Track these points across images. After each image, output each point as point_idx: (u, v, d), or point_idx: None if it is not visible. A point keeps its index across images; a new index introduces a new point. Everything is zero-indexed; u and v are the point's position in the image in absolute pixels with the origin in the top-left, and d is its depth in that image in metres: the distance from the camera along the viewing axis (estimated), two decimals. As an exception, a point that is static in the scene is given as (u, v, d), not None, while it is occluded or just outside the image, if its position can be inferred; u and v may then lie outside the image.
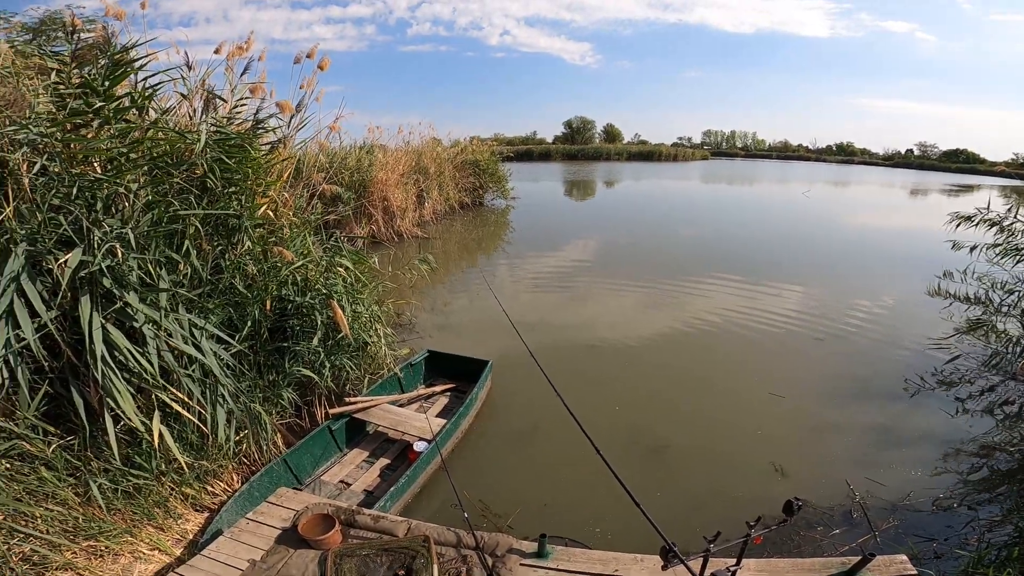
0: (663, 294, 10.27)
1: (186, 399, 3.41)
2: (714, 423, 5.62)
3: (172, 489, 3.83)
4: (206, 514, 4.08)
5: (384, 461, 4.89)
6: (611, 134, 79.88)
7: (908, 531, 3.97)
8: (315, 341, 4.59)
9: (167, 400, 3.29)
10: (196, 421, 3.54)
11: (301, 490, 4.46)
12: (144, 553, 3.51)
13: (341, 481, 4.63)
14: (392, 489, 4.03)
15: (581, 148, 64.14)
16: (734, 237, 16.70)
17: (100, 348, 2.82)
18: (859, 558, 2.64)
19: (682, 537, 3.94)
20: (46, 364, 2.91)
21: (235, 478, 4.38)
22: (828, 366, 7.20)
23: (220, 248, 4.16)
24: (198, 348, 3.49)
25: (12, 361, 2.74)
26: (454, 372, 6.28)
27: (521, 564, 2.86)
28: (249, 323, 4.24)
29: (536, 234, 16.75)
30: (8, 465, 2.87)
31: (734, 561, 2.36)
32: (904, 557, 2.69)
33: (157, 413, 3.21)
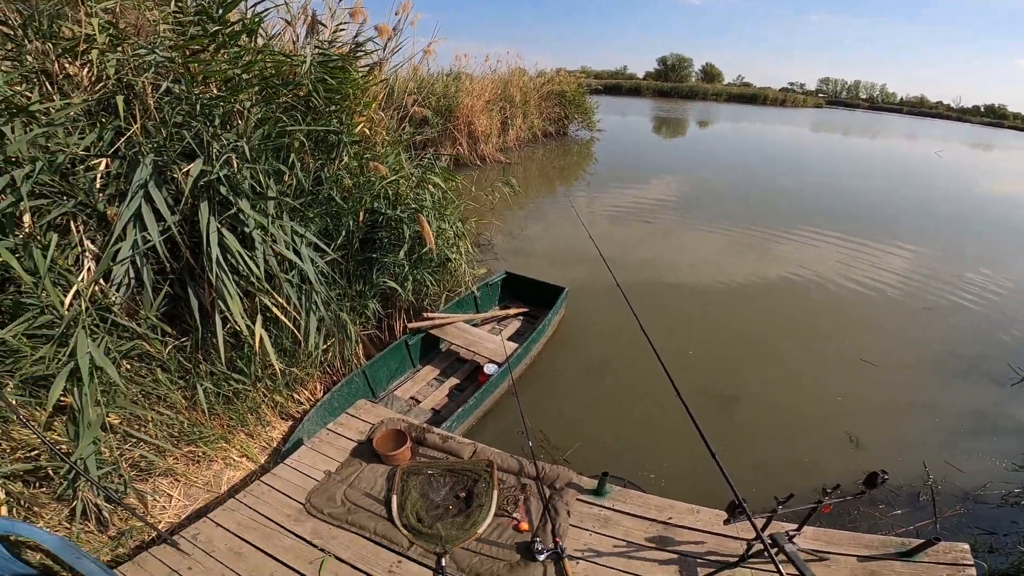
0: (752, 240, 9.54)
1: (285, 304, 3.60)
2: (793, 381, 5.39)
3: (265, 396, 4.11)
4: (290, 423, 4.38)
5: (454, 381, 5.06)
6: (710, 74, 73.08)
7: (972, 522, 3.78)
8: (401, 254, 4.71)
9: (269, 304, 3.47)
10: (291, 326, 3.76)
11: (376, 403, 4.70)
12: (234, 460, 3.81)
13: (412, 397, 4.84)
14: (460, 410, 4.19)
15: (675, 86, 59.34)
16: (842, 190, 14.93)
17: (215, 251, 3.00)
18: (921, 541, 2.52)
19: (741, 493, 3.95)
20: (168, 265, 3.10)
21: (318, 387, 4.66)
22: (930, 338, 6.55)
23: (321, 162, 4.30)
24: (298, 254, 3.65)
25: (139, 262, 2.99)
26: (529, 296, 6.34)
27: (578, 499, 2.92)
28: (343, 233, 4.39)
29: (619, 168, 16.02)
30: (128, 366, 3.09)
31: (795, 526, 2.28)
32: (966, 546, 2.53)
33: (260, 317, 3.42)
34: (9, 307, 2.65)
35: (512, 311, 6.15)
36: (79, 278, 2.82)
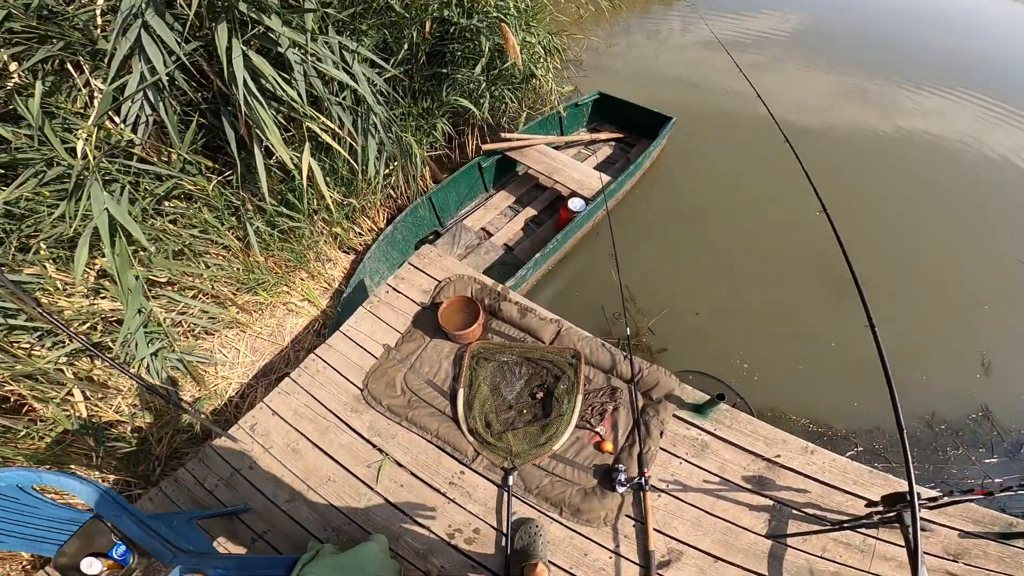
0: (883, 90, 6.73)
1: (336, 129, 2.95)
2: (928, 276, 4.20)
3: (323, 231, 3.65)
4: (352, 256, 3.95)
5: (531, 211, 4.41)
6: None
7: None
8: (478, 69, 3.78)
9: (317, 130, 2.83)
10: (346, 154, 3.13)
11: (442, 234, 4.13)
12: (296, 306, 3.50)
13: (483, 229, 4.27)
14: (538, 256, 3.62)
15: None
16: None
17: (241, 74, 2.33)
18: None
19: (839, 413, 3.31)
20: (195, 96, 2.59)
21: (381, 216, 4.11)
22: None
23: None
24: (349, 73, 2.91)
25: (152, 96, 2.39)
26: (624, 121, 5.25)
27: (675, 415, 2.38)
28: (405, 46, 3.50)
29: None
30: (172, 208, 2.73)
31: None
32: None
33: (308, 145, 2.80)
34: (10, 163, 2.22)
35: (603, 136, 5.14)
36: (89, 122, 2.28)
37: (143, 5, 2.18)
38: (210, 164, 2.81)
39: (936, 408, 3.38)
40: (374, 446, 2.31)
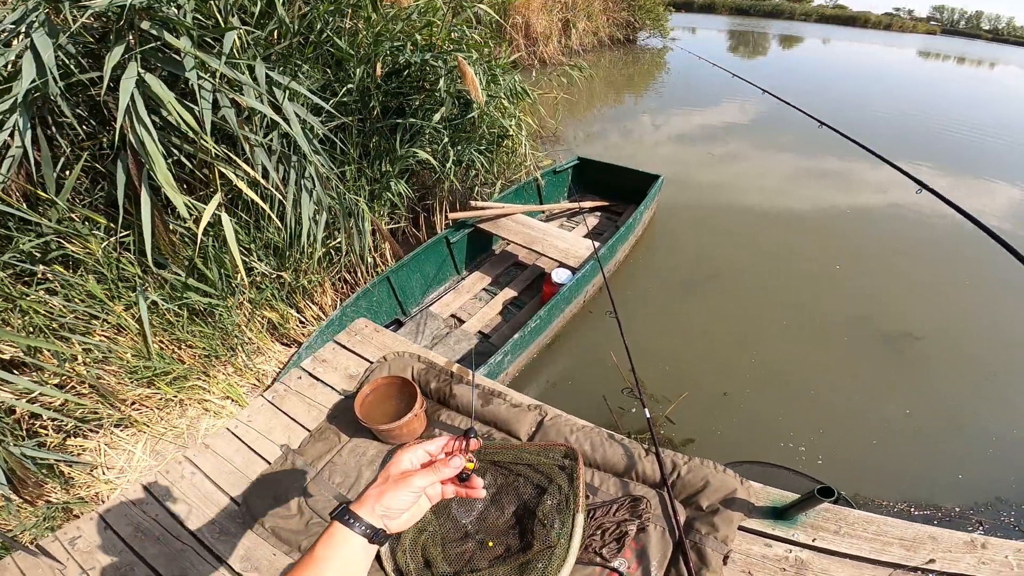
0: (837, 169, 6.59)
1: (258, 178, 2.26)
2: (975, 322, 3.60)
3: (250, 313, 2.83)
4: (293, 349, 3.10)
5: (510, 293, 3.61)
6: None
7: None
8: (436, 117, 3.20)
9: (230, 175, 2.18)
10: (266, 207, 2.39)
11: (404, 323, 3.30)
12: (215, 405, 2.67)
13: (453, 315, 3.45)
14: (516, 338, 2.76)
15: (755, 3, 51.29)
16: (950, 121, 9.95)
17: (125, 100, 1.78)
18: None
19: (942, 489, 2.53)
20: (82, 132, 2.06)
21: (330, 300, 3.30)
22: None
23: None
24: (276, 107, 2.28)
25: (20, 124, 1.79)
26: (607, 188, 4.63)
27: (742, 528, 1.39)
28: (353, 88, 2.95)
29: (689, 88, 12.34)
30: (50, 275, 2.09)
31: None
32: None
33: (218, 195, 2.12)
34: None
35: (587, 204, 4.48)
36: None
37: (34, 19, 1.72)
38: (102, 220, 2.15)
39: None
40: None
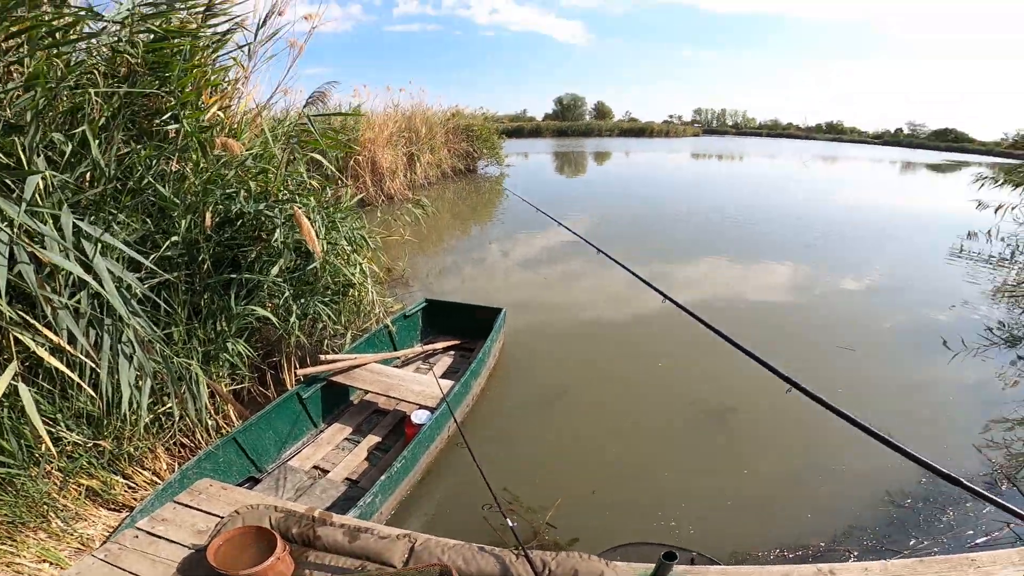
0: (662, 270, 7.77)
1: (64, 345, 2.07)
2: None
3: (63, 481, 2.47)
4: (125, 514, 2.69)
5: (373, 439, 3.50)
6: (601, 111, 73.03)
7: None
8: (275, 270, 3.18)
9: (28, 343, 1.96)
10: (75, 377, 2.14)
11: (260, 479, 3.07)
12: (30, 569, 2.22)
13: (315, 467, 3.26)
14: (383, 478, 2.69)
15: (571, 124, 59.78)
16: (725, 213, 12.52)
17: None
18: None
19: (802, 530, 2.78)
20: None
21: (165, 465, 2.98)
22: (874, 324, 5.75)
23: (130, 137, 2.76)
24: (86, 267, 2.10)
25: None
26: (458, 326, 4.83)
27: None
28: (178, 239, 2.82)
29: (527, 210, 14.26)
30: None
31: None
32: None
33: (15, 363, 1.88)
34: None
35: (440, 345, 4.63)
36: None
37: None
38: None
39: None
40: None
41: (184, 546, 1.82)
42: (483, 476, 2.03)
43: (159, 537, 1.85)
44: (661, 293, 2.15)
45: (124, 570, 1.72)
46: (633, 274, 2.54)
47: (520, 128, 52.84)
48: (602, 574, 1.64)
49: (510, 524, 1.77)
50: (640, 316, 5.75)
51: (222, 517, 1.88)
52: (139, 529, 1.86)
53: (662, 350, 4.85)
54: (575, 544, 2.66)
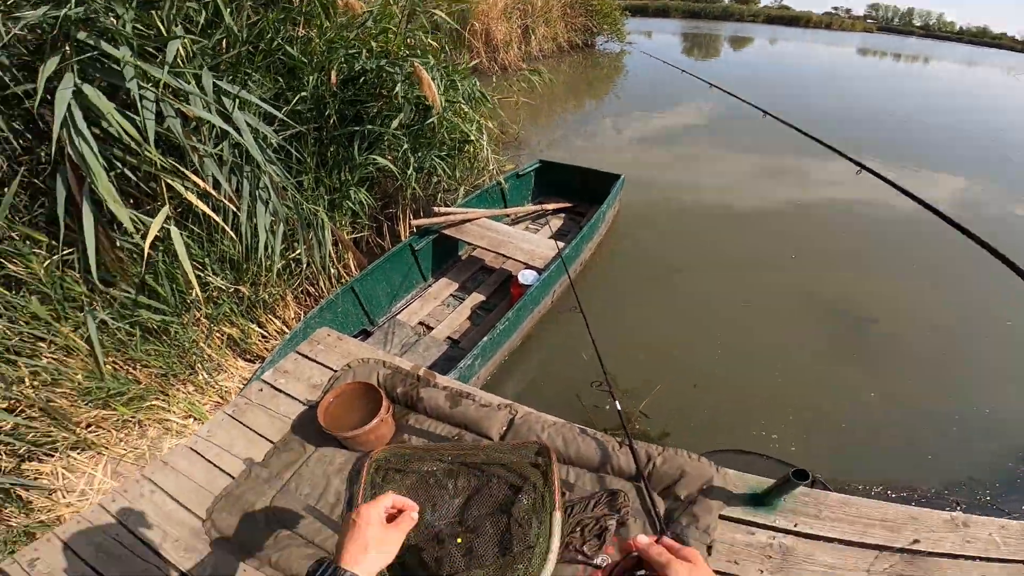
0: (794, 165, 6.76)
1: (209, 190, 2.19)
2: (930, 305, 3.67)
3: (208, 330, 2.71)
4: (257, 365, 2.98)
5: (478, 297, 3.55)
6: None
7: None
8: (395, 123, 3.13)
9: (179, 188, 2.08)
10: (218, 220, 2.28)
11: (372, 333, 3.20)
12: (177, 424, 2.55)
13: (421, 323, 3.38)
14: (485, 340, 2.71)
15: (706, 6, 52.39)
16: (893, 117, 10.21)
17: (61, 111, 1.67)
18: None
19: (915, 471, 2.52)
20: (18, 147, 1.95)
21: (293, 314, 3.19)
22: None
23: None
24: (225, 115, 2.18)
25: None
26: (571, 188, 4.62)
27: (723, 516, 1.36)
28: (306, 95, 2.85)
29: (645, 89, 12.27)
30: None
31: None
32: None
33: (166, 208, 2.03)
34: None
35: (551, 206, 4.47)
36: None
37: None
38: (43, 240, 2.04)
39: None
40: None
41: (300, 401, 1.93)
42: (596, 349, 1.92)
43: (279, 391, 1.96)
44: (856, 162, 1.78)
45: (246, 426, 1.84)
46: (813, 138, 2.07)
47: (644, 7, 46.88)
48: (711, 480, 1.48)
49: (618, 408, 1.66)
50: (770, 207, 5.18)
51: (335, 370, 1.96)
52: (264, 382, 2.00)
53: (794, 247, 4.35)
54: (666, 439, 2.59)
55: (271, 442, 1.71)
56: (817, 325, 3.41)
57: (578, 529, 1.33)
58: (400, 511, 0.82)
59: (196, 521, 1.50)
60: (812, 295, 3.66)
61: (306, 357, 2.04)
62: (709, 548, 1.32)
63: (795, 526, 1.38)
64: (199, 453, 1.69)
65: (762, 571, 1.29)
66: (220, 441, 1.73)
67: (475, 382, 2.83)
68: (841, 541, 1.36)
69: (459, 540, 1.28)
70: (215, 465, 1.66)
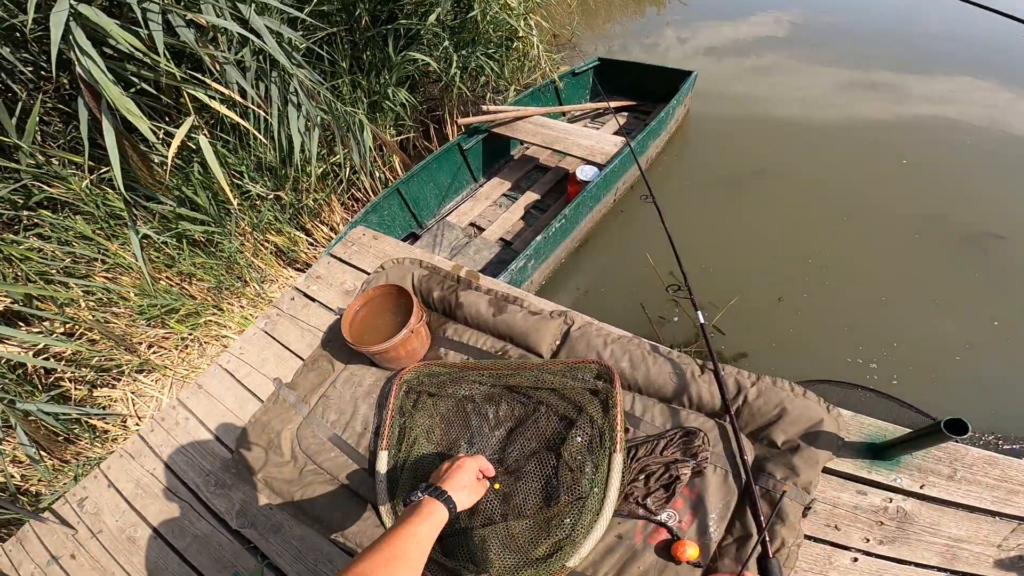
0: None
1: (236, 96, 2.04)
2: None
3: (254, 239, 2.62)
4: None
5: (532, 196, 3.25)
6: None
7: None
8: (432, 18, 2.77)
9: (202, 97, 1.94)
10: (248, 126, 2.11)
11: (420, 235, 2.99)
12: (233, 340, 2.47)
13: (472, 224, 3.17)
14: (539, 239, 2.47)
15: None
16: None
17: (57, 33, 1.55)
18: None
19: None
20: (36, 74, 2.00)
21: (340, 219, 3.06)
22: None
23: None
24: (244, 24, 2.00)
25: None
26: (634, 89, 4.01)
27: (826, 470, 1.07)
28: None
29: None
30: (37, 220, 2.01)
31: None
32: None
33: (191, 118, 1.91)
34: None
35: (612, 104, 3.92)
36: None
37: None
38: (80, 161, 1.96)
39: None
40: (244, 543, 1.28)
41: (331, 310, 1.70)
42: (672, 244, 1.56)
43: (311, 299, 1.76)
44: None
45: (277, 341, 1.65)
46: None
47: None
48: (820, 423, 1.13)
49: (701, 320, 1.30)
50: (864, 123, 4.10)
51: (369, 273, 1.72)
52: (296, 289, 1.80)
53: (901, 152, 3.54)
54: (743, 361, 2.28)
55: (300, 358, 1.55)
56: (931, 239, 2.81)
57: (641, 476, 1.09)
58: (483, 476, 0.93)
59: (227, 453, 1.41)
60: (926, 204, 3.01)
61: (340, 260, 1.82)
62: (806, 510, 1.05)
63: (921, 487, 1.08)
64: (230, 372, 1.57)
65: (868, 539, 1.03)
66: (250, 359, 1.59)
67: (528, 286, 2.63)
68: (976, 509, 1.05)
69: (496, 487, 1.07)
70: (244, 386, 1.53)
